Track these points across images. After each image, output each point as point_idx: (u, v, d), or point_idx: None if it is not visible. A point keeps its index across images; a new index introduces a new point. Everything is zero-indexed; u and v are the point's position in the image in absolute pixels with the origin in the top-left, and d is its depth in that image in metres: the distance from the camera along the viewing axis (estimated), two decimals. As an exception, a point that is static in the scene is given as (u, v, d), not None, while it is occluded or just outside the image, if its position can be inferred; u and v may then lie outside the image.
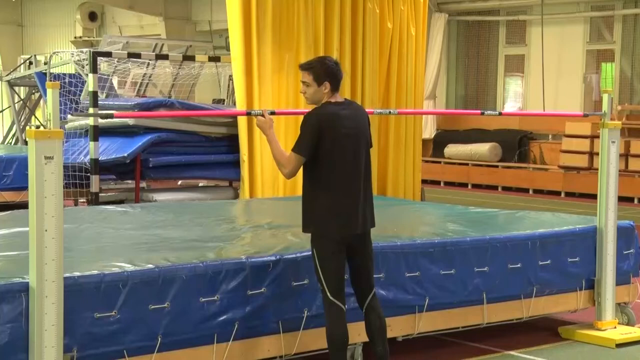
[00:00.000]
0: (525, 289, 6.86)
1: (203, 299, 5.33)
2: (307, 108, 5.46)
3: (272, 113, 5.87)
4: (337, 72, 5.43)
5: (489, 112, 7.85)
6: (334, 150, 5.31)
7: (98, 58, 10.96)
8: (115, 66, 13.20)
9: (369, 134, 5.58)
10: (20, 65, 19.02)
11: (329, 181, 5.32)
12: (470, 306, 6.58)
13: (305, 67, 5.47)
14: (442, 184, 19.96)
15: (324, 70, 5.39)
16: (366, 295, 5.51)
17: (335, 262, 5.34)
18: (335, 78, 5.42)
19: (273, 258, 5.68)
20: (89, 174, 10.44)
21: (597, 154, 10.55)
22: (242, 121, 10.82)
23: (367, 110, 5.79)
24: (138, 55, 12.27)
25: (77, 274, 4.93)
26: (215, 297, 5.38)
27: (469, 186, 19.59)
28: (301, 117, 5.44)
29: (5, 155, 12.80)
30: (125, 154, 10.48)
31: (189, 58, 13.64)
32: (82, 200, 11.07)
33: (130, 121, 10.46)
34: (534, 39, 19.98)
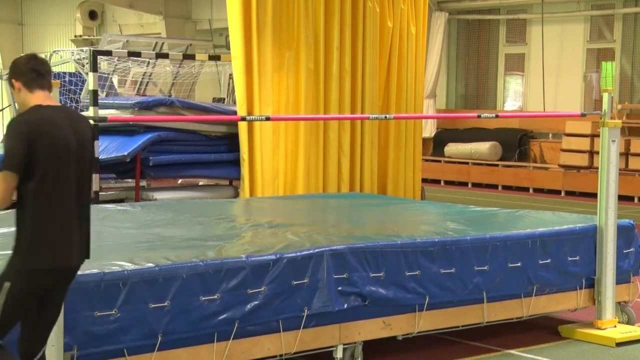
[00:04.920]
0: (525, 287, 6.86)
1: (203, 298, 5.33)
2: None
3: (267, 119, 5.74)
4: (27, 68, 4.29)
5: (485, 114, 7.87)
6: (45, 163, 4.15)
7: (98, 57, 10.96)
8: (116, 65, 13.22)
9: (93, 148, 4.48)
10: (20, 64, 18.96)
11: (38, 201, 4.16)
12: (470, 305, 6.58)
13: None
14: (442, 182, 19.96)
15: (11, 70, 4.35)
16: (33, 356, 4.36)
17: (27, 306, 4.27)
18: (26, 74, 4.28)
19: (273, 257, 5.68)
20: (89, 173, 10.43)
21: (598, 152, 10.56)
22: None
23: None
24: (138, 54, 12.28)
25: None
26: (216, 296, 5.38)
27: (469, 185, 19.59)
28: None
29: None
30: (125, 153, 10.48)
31: (189, 57, 13.64)
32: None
33: (130, 120, 10.47)
34: (534, 38, 19.98)
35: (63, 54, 14.03)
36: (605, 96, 7.27)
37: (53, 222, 4.20)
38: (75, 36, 27.20)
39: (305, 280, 5.73)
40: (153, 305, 5.13)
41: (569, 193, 17.81)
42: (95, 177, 10.34)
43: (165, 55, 13.42)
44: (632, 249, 7.50)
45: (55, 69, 13.66)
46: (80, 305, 4.86)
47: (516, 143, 19.50)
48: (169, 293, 5.20)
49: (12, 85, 4.35)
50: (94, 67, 10.49)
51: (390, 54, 12.34)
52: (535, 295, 6.91)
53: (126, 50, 12.89)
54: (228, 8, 11.00)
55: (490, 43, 21.34)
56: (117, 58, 12.55)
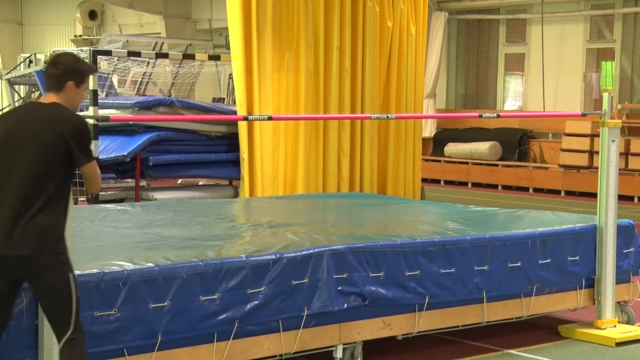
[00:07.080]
0: (525, 287, 6.86)
1: (203, 298, 5.33)
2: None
3: (269, 118, 5.69)
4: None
5: (487, 114, 7.87)
6: None
7: (98, 56, 10.97)
8: (115, 65, 13.22)
9: (50, 138, 4.39)
10: (20, 64, 19.01)
11: None
12: (470, 305, 6.58)
13: None
14: (442, 182, 19.96)
15: None
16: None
17: None
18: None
19: (273, 257, 5.68)
20: (89, 173, 10.42)
21: (597, 152, 10.57)
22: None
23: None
24: (138, 54, 12.28)
25: (77, 272, 4.91)
26: (215, 296, 5.38)
27: (469, 185, 19.59)
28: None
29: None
30: (125, 153, 10.48)
31: (189, 57, 13.64)
32: (82, 199, 11.07)
33: (130, 119, 10.48)
34: (534, 38, 19.98)
35: (63, 53, 13.98)
36: (605, 96, 7.27)
37: None
38: (75, 36, 27.22)
39: (305, 280, 5.73)
40: (153, 305, 5.13)
41: (569, 193, 17.81)
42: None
43: (165, 55, 13.42)
44: (632, 249, 7.50)
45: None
46: (80, 305, 4.84)
47: (516, 143, 19.50)
48: (169, 293, 5.20)
49: None
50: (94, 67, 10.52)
51: (390, 53, 12.34)
52: (535, 295, 6.91)
53: (126, 50, 12.90)
54: (228, 8, 11.00)
55: (490, 43, 21.34)
56: (117, 58, 12.57)
